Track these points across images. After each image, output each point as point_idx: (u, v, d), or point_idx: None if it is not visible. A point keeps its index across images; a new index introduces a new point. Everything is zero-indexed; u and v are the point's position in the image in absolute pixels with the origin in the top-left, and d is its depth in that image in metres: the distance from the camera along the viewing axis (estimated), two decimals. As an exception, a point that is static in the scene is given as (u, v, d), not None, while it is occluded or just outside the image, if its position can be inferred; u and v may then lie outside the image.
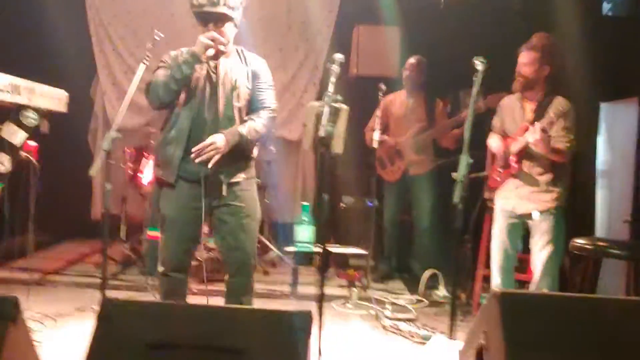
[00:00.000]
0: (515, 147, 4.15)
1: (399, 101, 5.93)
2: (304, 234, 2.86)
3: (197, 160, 3.34)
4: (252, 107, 3.56)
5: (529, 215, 4.15)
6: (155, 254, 3.61)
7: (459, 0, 6.09)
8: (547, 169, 4.11)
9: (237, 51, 3.63)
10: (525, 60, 4.12)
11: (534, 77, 4.11)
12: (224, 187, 3.43)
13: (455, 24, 6.30)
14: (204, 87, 3.46)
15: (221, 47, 3.38)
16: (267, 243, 6.20)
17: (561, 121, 3.98)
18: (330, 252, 2.89)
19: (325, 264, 2.97)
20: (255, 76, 3.59)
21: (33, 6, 6.47)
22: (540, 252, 4.10)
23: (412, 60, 5.86)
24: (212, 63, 3.47)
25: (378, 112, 5.66)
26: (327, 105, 2.90)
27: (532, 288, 4.16)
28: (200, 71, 3.45)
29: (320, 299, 2.66)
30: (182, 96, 3.43)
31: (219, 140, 3.36)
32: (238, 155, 3.47)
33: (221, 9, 3.38)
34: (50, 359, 2.79)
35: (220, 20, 3.42)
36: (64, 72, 6.29)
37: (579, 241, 4.16)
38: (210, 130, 3.41)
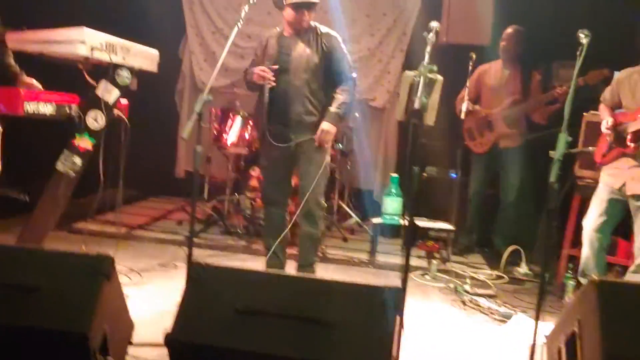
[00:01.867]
0: (634, 126, 3.95)
1: (493, 71, 5.74)
2: (392, 206, 2.81)
3: (317, 141, 4.15)
4: (332, 80, 4.21)
5: (634, 197, 3.98)
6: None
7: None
8: None
9: (313, 28, 4.23)
10: None
11: None
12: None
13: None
14: (278, 63, 4.17)
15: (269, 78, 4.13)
16: (347, 209, 6.20)
17: None
18: (418, 226, 2.84)
19: (412, 238, 2.93)
20: (329, 51, 4.20)
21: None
22: None
23: (509, 30, 5.64)
24: (286, 42, 4.21)
25: (468, 82, 5.51)
26: (422, 76, 2.82)
27: (630, 276, 3.99)
28: (280, 51, 4.20)
29: (405, 274, 2.61)
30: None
31: (328, 128, 4.14)
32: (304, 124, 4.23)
33: None
34: (137, 312, 2.85)
35: (311, 7, 4.12)
36: (153, 31, 6.36)
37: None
38: (284, 100, 4.16)
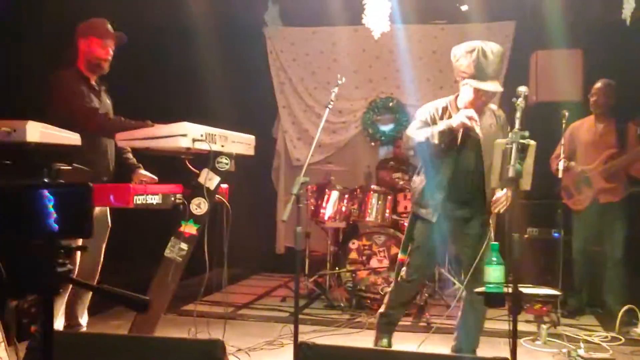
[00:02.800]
0: None
1: (586, 127, 5.64)
2: (495, 274, 2.80)
3: (495, 211, 3.86)
4: None
5: None
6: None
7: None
8: None
9: (489, 107, 4.03)
10: None
11: None
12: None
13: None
14: (464, 141, 3.81)
15: (474, 125, 3.66)
16: (449, 276, 6.14)
17: None
18: (522, 294, 2.82)
19: (518, 306, 2.89)
20: (502, 130, 3.97)
21: (219, 59, 6.88)
22: None
23: (599, 84, 5.56)
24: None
25: (563, 140, 5.43)
26: (515, 142, 2.83)
27: None
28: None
29: (514, 345, 2.58)
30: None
31: (507, 194, 3.81)
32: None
33: (498, 87, 3.84)
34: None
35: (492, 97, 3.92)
36: (248, 116, 6.68)
37: None
38: (467, 181, 3.88)
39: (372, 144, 7.42)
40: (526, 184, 2.91)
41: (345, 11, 6.47)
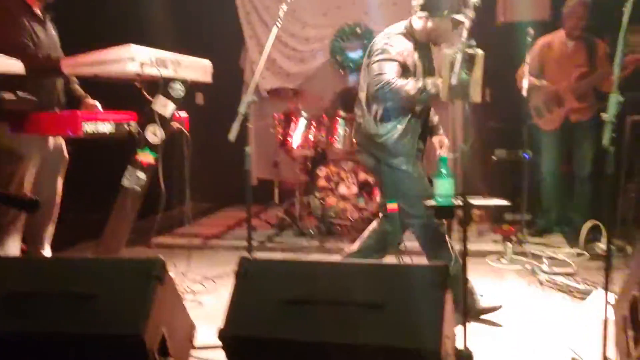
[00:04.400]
0: None
1: (557, 44, 5.54)
2: (444, 186, 2.77)
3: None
4: None
5: None
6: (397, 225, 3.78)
7: None
8: None
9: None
10: None
11: None
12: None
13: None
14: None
15: None
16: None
17: None
18: (471, 205, 2.79)
19: (467, 218, 2.88)
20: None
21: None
22: None
23: (574, 1, 5.45)
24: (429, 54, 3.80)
25: (527, 58, 5.35)
26: (460, 52, 2.76)
27: None
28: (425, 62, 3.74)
29: (464, 255, 2.58)
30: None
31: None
32: None
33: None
34: (212, 318, 2.89)
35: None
36: (213, 45, 6.53)
37: None
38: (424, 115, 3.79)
39: (341, 71, 7.30)
40: (476, 95, 2.85)
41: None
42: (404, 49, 3.66)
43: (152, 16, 6.58)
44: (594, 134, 5.43)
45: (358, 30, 7.20)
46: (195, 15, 6.92)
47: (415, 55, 3.70)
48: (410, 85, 3.51)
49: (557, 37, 5.58)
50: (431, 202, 2.93)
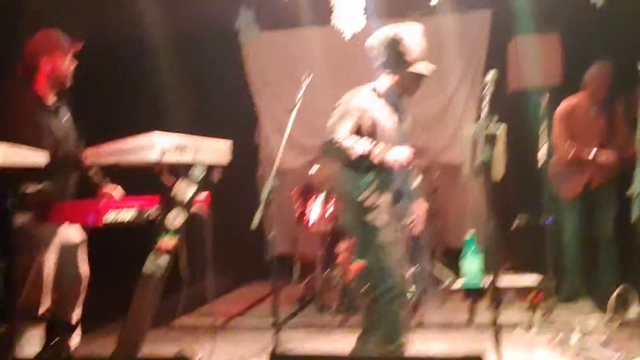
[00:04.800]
0: None
1: (580, 110, 5.59)
2: (471, 265, 2.73)
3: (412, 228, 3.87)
4: None
5: None
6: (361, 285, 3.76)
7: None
8: None
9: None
10: None
11: None
12: None
13: (618, 21, 5.92)
14: (391, 133, 3.79)
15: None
16: (444, 272, 6.06)
17: None
18: (501, 287, 2.75)
19: (497, 298, 2.82)
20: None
21: (194, 64, 6.82)
22: None
23: (597, 68, 5.52)
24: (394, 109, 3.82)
25: (543, 125, 5.31)
26: (482, 131, 2.77)
27: None
28: (387, 117, 3.78)
29: (496, 336, 2.52)
30: None
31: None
32: None
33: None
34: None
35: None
36: (230, 125, 6.61)
37: None
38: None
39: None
40: (497, 173, 2.84)
41: (321, 11, 6.39)
42: (363, 107, 3.73)
43: (165, 95, 6.72)
44: (615, 198, 5.41)
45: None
46: (207, 91, 7.01)
47: (379, 112, 3.73)
48: (356, 146, 3.57)
49: (580, 102, 5.59)
50: (459, 283, 2.88)
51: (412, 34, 3.73)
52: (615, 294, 5.00)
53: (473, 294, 2.75)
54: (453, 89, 6.99)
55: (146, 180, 3.93)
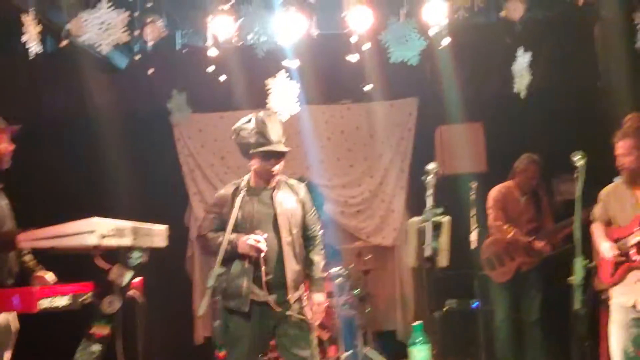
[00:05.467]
0: (634, 239, 3.86)
1: (511, 198, 5.79)
2: (420, 355, 2.76)
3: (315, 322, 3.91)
4: (303, 234, 4.03)
5: None
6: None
7: (538, 88, 5.98)
8: None
9: (284, 182, 4.10)
10: (622, 151, 3.87)
11: (637, 165, 3.87)
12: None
13: (538, 113, 6.26)
14: (257, 222, 3.86)
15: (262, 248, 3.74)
16: (374, 356, 6.05)
17: None
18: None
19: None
20: (304, 205, 4.04)
21: (125, 149, 6.77)
22: None
23: (525, 159, 5.75)
24: (267, 195, 3.93)
25: (472, 211, 5.50)
26: (429, 221, 2.85)
27: None
28: (253, 206, 3.88)
29: None
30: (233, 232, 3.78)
31: (321, 299, 3.97)
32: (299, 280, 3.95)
33: (283, 147, 3.92)
34: None
35: (282, 157, 3.96)
36: (158, 204, 6.55)
37: None
38: (276, 259, 3.84)
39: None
40: (443, 260, 2.93)
41: (253, 95, 6.50)
42: (222, 198, 3.96)
43: (99, 177, 6.63)
44: (541, 281, 5.61)
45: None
46: (140, 175, 6.94)
47: (236, 200, 3.84)
48: (213, 242, 3.82)
49: (509, 190, 5.80)
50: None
51: (248, 120, 3.98)
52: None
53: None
54: (382, 174, 7.15)
55: (76, 266, 3.83)
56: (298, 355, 3.85)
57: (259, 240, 3.76)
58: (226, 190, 4.01)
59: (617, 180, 4.12)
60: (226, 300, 3.81)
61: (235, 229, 3.79)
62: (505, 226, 5.51)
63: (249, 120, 3.91)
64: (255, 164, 3.96)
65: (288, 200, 3.99)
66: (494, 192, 5.75)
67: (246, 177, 4.05)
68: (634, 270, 3.90)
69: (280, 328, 3.90)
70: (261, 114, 3.93)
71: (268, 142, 3.84)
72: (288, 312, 3.85)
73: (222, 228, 3.87)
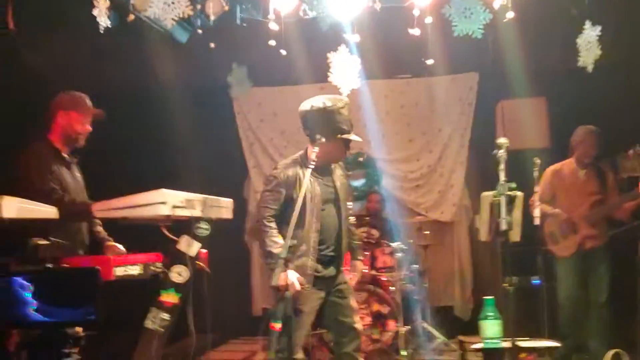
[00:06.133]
0: None
1: (568, 172, 5.66)
2: (492, 329, 2.75)
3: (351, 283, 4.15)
4: None
5: None
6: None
7: (605, 63, 5.82)
8: None
9: (340, 165, 4.18)
10: None
11: None
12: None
13: (604, 88, 6.11)
14: (323, 201, 3.95)
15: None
16: (432, 330, 6.06)
17: None
18: (520, 348, 2.78)
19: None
20: (349, 190, 4.17)
21: (187, 122, 6.86)
22: None
23: (584, 131, 5.61)
24: (327, 173, 4.03)
25: (536, 187, 5.44)
26: (503, 195, 2.83)
27: None
28: (319, 185, 3.95)
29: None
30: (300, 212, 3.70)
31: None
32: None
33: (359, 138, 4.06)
34: None
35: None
36: (218, 177, 6.64)
37: None
38: (335, 235, 3.99)
39: (345, 200, 7.38)
40: (516, 235, 2.90)
41: (313, 69, 6.51)
42: (288, 180, 3.92)
43: (159, 151, 6.75)
44: (609, 260, 5.49)
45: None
46: (201, 148, 7.02)
47: (305, 180, 3.80)
48: (269, 241, 3.83)
49: (567, 165, 5.69)
50: (478, 345, 2.90)
51: (342, 105, 3.95)
52: (607, 357, 5.03)
53: (492, 355, 2.78)
54: (441, 149, 7.10)
55: (141, 238, 3.93)
56: (346, 322, 4.01)
57: (295, 285, 3.75)
58: (287, 169, 4.00)
59: None
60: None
61: (303, 208, 3.79)
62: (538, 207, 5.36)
63: (344, 106, 3.93)
64: (333, 147, 3.97)
65: (342, 178, 4.13)
66: (547, 170, 5.63)
67: (301, 155, 4.08)
68: None
69: (330, 299, 4.04)
70: (347, 100, 4.03)
71: (351, 129, 3.96)
72: (339, 283, 4.03)
73: (282, 207, 3.94)
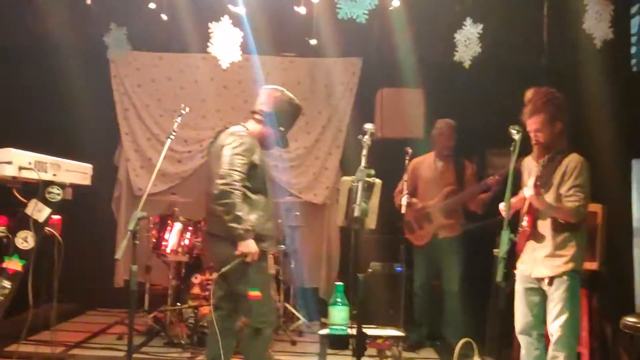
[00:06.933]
0: (524, 205, 3.86)
1: (427, 164, 5.84)
2: (339, 315, 2.74)
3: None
4: None
5: (543, 281, 3.80)
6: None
7: (482, 61, 5.97)
8: (560, 230, 3.76)
9: None
10: (536, 127, 3.79)
11: (549, 139, 3.79)
12: None
13: (479, 85, 6.27)
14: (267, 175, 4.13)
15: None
16: (294, 311, 6.07)
17: (571, 179, 3.70)
18: (367, 336, 2.79)
19: (362, 348, 2.85)
20: None
21: (57, 79, 6.52)
22: (552, 323, 3.75)
23: (440, 123, 5.79)
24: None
25: (405, 176, 5.55)
26: (361, 181, 2.81)
27: None
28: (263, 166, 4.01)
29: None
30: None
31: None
32: None
33: None
34: None
35: None
36: (88, 142, 6.35)
37: (631, 319, 3.91)
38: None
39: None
40: (371, 222, 2.89)
41: (195, 38, 6.31)
42: (253, 145, 3.93)
43: (27, 114, 6.39)
44: (463, 251, 5.67)
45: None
46: (71, 110, 6.68)
47: (259, 155, 3.94)
48: (241, 206, 3.73)
49: (427, 157, 5.86)
50: (325, 331, 2.88)
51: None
52: (458, 345, 5.19)
53: (336, 340, 2.77)
54: (319, 131, 7.08)
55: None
56: None
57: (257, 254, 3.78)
58: (250, 137, 3.97)
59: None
60: (260, 242, 3.83)
61: (255, 177, 3.89)
62: (405, 196, 5.49)
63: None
64: (278, 137, 4.12)
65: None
66: (412, 162, 5.74)
67: (250, 128, 4.08)
68: (531, 240, 3.88)
69: None
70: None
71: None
72: None
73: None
